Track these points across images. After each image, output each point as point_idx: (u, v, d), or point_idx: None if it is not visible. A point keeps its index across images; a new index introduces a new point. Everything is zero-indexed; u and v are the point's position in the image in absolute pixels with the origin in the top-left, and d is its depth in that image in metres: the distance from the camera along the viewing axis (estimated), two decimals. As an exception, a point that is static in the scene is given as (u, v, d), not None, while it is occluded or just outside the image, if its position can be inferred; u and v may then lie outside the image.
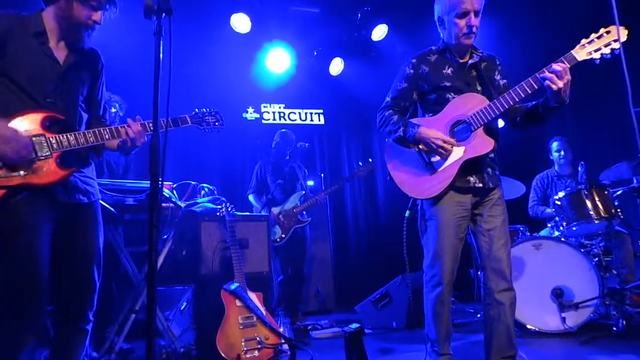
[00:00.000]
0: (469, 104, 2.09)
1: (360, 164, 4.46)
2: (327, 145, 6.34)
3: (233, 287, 2.77)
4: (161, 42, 1.40)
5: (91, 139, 1.81)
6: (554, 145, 4.33)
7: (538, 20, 5.15)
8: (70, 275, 1.82)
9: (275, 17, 5.28)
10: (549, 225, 3.83)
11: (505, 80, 2.26)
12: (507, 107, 2.00)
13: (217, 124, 2.22)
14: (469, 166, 2.09)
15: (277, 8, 5.20)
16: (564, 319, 3.09)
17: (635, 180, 3.39)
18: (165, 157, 1.47)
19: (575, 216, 3.35)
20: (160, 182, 1.37)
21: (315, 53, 5.85)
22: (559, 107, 1.98)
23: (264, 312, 2.81)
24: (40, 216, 1.71)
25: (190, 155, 5.26)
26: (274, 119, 6.04)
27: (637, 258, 3.68)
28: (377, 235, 6.05)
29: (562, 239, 3.35)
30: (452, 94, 2.16)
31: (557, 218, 3.55)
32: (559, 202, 3.48)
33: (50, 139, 1.72)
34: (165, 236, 3.19)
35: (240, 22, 5.13)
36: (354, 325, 2.06)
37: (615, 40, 1.85)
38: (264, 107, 6.03)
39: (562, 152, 4.25)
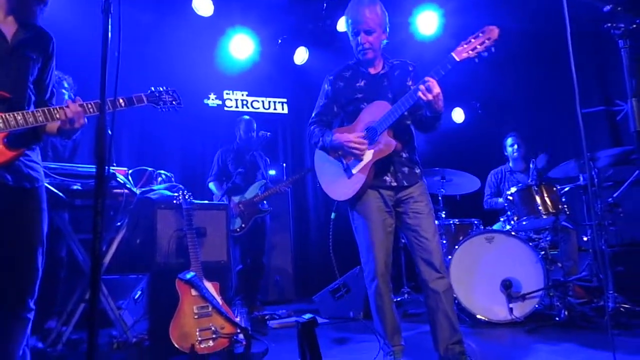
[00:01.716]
0: (377, 111, 2.24)
1: None
2: (290, 135, 6.30)
3: (188, 276, 2.71)
4: (109, 20, 1.33)
5: (40, 118, 1.71)
6: (508, 140, 4.51)
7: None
8: (10, 261, 1.73)
9: (239, 2, 5.17)
10: (501, 219, 3.98)
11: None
12: (399, 114, 2.15)
13: (174, 103, 2.15)
14: (383, 167, 2.26)
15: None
16: (511, 310, 3.23)
17: (581, 178, 3.57)
18: (113, 140, 1.40)
19: (525, 211, 3.50)
20: (107, 167, 1.31)
21: (279, 41, 5.77)
22: (435, 116, 2.17)
23: (220, 301, 2.77)
24: None
25: (148, 140, 5.10)
26: (237, 107, 5.94)
27: (580, 252, 3.89)
28: (337, 226, 6.09)
29: (513, 233, 3.49)
30: (365, 103, 2.32)
31: (509, 212, 3.70)
32: (510, 198, 3.62)
33: None
34: (119, 223, 3.08)
35: (203, 5, 4.97)
36: (307, 316, 2.06)
37: (488, 39, 2.01)
38: (227, 93, 5.91)
39: (516, 147, 4.43)
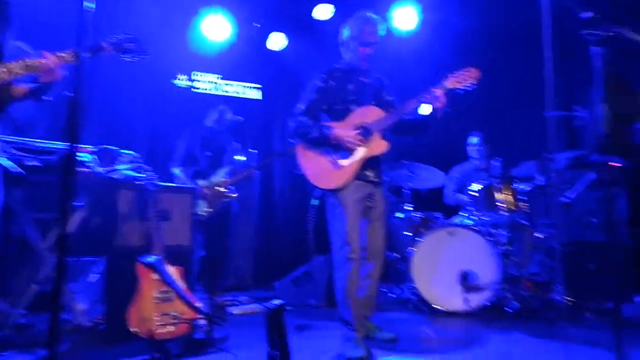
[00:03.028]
0: (369, 114, 2.57)
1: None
2: (263, 121, 6.21)
3: (150, 259, 2.65)
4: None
5: (3, 75, 1.62)
6: (472, 139, 4.63)
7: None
8: None
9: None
10: (462, 214, 4.11)
11: (391, 97, 2.78)
12: (399, 117, 2.53)
13: (139, 50, 2.09)
14: (368, 163, 2.56)
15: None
16: (467, 301, 3.36)
17: (540, 178, 3.73)
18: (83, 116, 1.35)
19: (487, 207, 3.64)
20: (78, 143, 1.26)
21: (257, 25, 5.65)
22: (435, 121, 2.57)
23: (182, 286, 2.73)
24: None
25: (112, 118, 4.91)
26: (207, 89, 5.80)
27: (534, 249, 4.07)
28: (303, 214, 6.10)
29: (473, 227, 3.61)
30: (354, 105, 2.61)
31: (470, 207, 3.82)
32: (473, 193, 3.74)
33: None
34: (78, 203, 2.97)
35: (177, -18, 4.81)
36: (276, 302, 2.07)
37: (471, 77, 2.47)
38: (198, 75, 5.76)
39: (477, 146, 4.56)
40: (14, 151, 2.55)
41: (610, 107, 1.68)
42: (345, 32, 2.68)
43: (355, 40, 2.60)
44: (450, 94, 2.51)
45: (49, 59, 1.70)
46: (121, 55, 2.07)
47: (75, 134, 1.30)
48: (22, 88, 1.74)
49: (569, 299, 3.19)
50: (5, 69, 1.63)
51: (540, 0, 1.80)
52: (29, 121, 3.30)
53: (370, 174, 2.59)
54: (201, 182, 4.03)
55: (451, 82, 2.48)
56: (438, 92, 2.44)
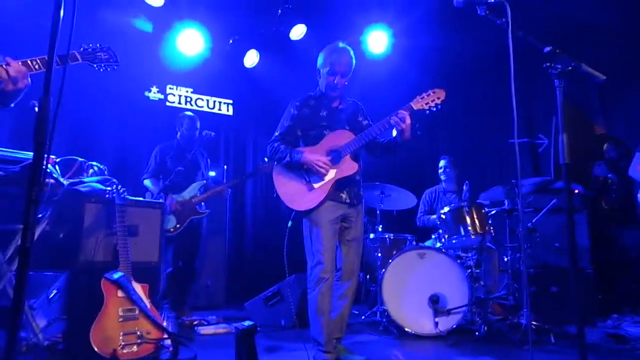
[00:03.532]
0: (340, 138, 2.67)
1: (266, 159, 4.42)
2: (234, 137, 6.19)
3: (116, 276, 2.55)
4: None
5: None
6: (441, 162, 4.75)
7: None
8: None
9: (192, -4, 5.03)
10: (433, 236, 4.17)
11: (367, 121, 2.86)
12: (368, 139, 2.60)
13: (111, 60, 2.05)
14: (341, 184, 2.63)
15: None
16: (436, 324, 3.38)
17: (506, 203, 3.85)
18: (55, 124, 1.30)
19: (456, 230, 3.70)
20: (46, 153, 1.21)
21: (230, 41, 5.67)
22: (403, 142, 2.62)
23: (148, 304, 2.63)
24: None
25: (81, 128, 4.76)
26: (179, 103, 5.73)
27: (501, 272, 4.17)
28: (274, 234, 6.03)
29: (443, 250, 3.66)
30: (327, 130, 2.71)
31: (440, 230, 3.88)
32: (443, 216, 3.81)
33: None
34: (40, 215, 2.83)
35: (154, -6, 4.79)
36: (247, 323, 2.02)
37: (438, 98, 2.56)
38: (170, 88, 5.69)
39: (448, 170, 4.67)
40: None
41: (570, 137, 1.76)
42: (319, 62, 2.77)
43: (328, 70, 2.69)
44: (418, 115, 2.58)
45: (13, 66, 1.63)
46: (92, 65, 2.03)
47: (41, 143, 1.25)
48: None
49: (534, 322, 3.26)
50: None
51: (506, 34, 1.89)
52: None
53: (343, 195, 2.66)
54: (173, 197, 3.94)
55: (418, 104, 2.56)
56: (404, 113, 2.51)
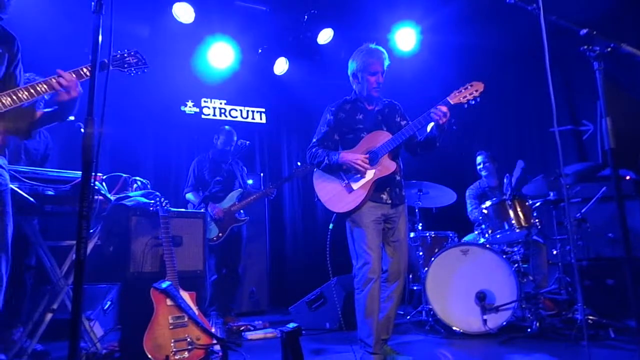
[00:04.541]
0: (377, 139, 2.66)
1: (299, 163, 4.47)
2: (268, 144, 6.28)
3: (164, 285, 2.64)
4: (101, 20, 1.31)
5: (7, 102, 1.66)
6: (478, 158, 4.61)
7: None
8: None
9: (220, 11, 5.14)
10: (475, 232, 4.06)
11: (405, 120, 2.82)
12: (404, 138, 2.58)
13: (140, 64, 2.11)
14: (380, 185, 2.62)
15: (223, 1, 5.08)
16: (485, 321, 3.28)
17: (551, 194, 3.70)
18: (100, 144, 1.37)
19: (499, 224, 3.59)
20: (93, 171, 1.28)
21: (260, 51, 5.77)
22: (441, 136, 2.64)
23: (196, 311, 2.71)
24: None
25: (123, 146, 4.97)
26: (214, 115, 5.88)
27: (550, 266, 4.01)
28: (313, 237, 6.08)
29: (487, 246, 3.57)
30: (365, 133, 2.71)
31: (483, 226, 3.78)
32: (485, 211, 3.70)
33: None
34: (91, 230, 2.98)
35: (183, 12, 4.94)
36: (291, 325, 2.05)
37: (476, 91, 2.53)
38: (205, 101, 5.85)
39: (487, 164, 4.53)
40: (27, 181, 2.57)
41: (614, 119, 1.68)
42: (352, 65, 2.77)
43: (363, 71, 2.70)
44: (454, 110, 2.54)
45: (66, 76, 1.75)
46: (123, 70, 2.09)
47: (89, 162, 1.31)
48: (44, 111, 1.80)
49: (591, 317, 3.11)
50: (26, 92, 1.67)
51: (538, 20, 1.82)
52: (43, 152, 3.36)
53: (384, 195, 2.64)
54: (215, 205, 4.05)
55: (455, 98, 2.54)
56: (443, 108, 2.49)
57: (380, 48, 2.75)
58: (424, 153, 2.80)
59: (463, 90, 2.55)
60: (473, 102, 2.54)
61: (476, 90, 2.53)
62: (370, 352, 2.50)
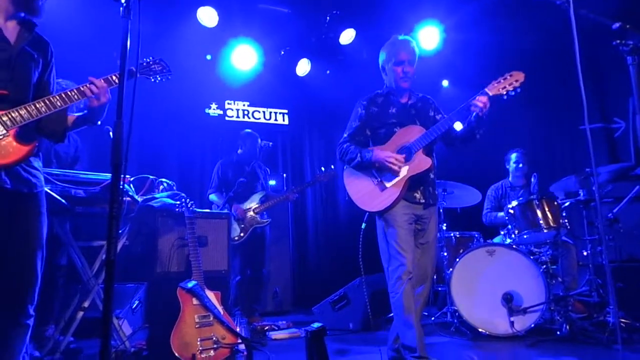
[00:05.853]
0: (411, 134, 2.54)
1: (323, 169, 4.49)
2: (291, 145, 6.31)
3: (190, 285, 2.69)
4: (129, 24, 1.34)
5: (43, 109, 1.72)
6: (513, 156, 4.47)
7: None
8: (9, 266, 1.72)
9: (243, 14, 5.20)
10: (502, 232, 3.98)
11: (440, 115, 2.72)
12: (439, 133, 2.47)
13: (164, 71, 2.16)
14: (414, 184, 2.52)
15: (246, 4, 5.13)
16: (512, 323, 3.22)
17: (581, 193, 3.59)
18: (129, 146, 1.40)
19: (527, 225, 3.51)
20: (122, 173, 1.31)
21: (282, 52, 5.81)
22: (480, 127, 2.52)
23: (221, 311, 2.75)
24: None
25: (149, 148, 5.08)
26: (238, 117, 5.95)
27: (580, 267, 3.89)
28: (336, 239, 6.07)
29: (514, 246, 3.49)
30: (398, 127, 2.60)
31: (509, 226, 3.70)
32: (512, 211, 3.62)
33: (2, 116, 1.65)
34: (120, 231, 3.06)
35: (207, 16, 5.02)
36: (316, 325, 2.05)
37: (516, 81, 2.40)
38: (228, 103, 5.93)
39: (520, 164, 4.40)
40: (59, 183, 2.66)
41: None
42: (382, 57, 2.69)
43: (393, 61, 2.60)
44: (495, 100, 2.41)
45: (97, 83, 1.81)
46: (149, 77, 2.14)
47: (118, 165, 1.34)
48: (75, 115, 1.87)
49: (623, 320, 3.01)
50: (60, 99, 1.74)
51: (568, 15, 1.77)
52: (73, 155, 3.46)
53: (417, 194, 2.53)
54: (238, 205, 4.10)
55: (494, 89, 2.40)
56: (483, 99, 2.38)
57: (408, 37, 2.65)
58: (463, 146, 2.67)
59: (502, 81, 2.41)
60: (513, 93, 2.40)
61: (516, 81, 2.40)
62: (416, 357, 2.33)
